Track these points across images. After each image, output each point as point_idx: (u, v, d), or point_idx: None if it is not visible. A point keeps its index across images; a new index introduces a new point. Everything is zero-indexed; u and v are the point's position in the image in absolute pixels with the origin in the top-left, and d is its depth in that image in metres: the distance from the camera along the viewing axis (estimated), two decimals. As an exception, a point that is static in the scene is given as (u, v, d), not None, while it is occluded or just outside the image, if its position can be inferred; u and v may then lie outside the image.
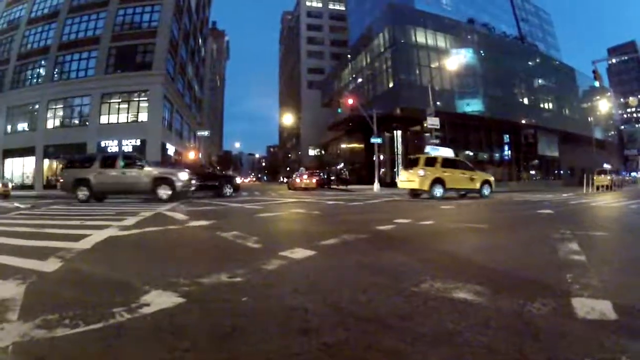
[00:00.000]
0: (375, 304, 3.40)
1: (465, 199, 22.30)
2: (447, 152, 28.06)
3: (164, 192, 19.85)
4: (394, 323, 2.94)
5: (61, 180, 21.96)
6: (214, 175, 28.93)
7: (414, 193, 22.84)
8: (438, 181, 21.73)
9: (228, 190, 26.03)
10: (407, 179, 22.97)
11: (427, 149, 29.92)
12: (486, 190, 23.41)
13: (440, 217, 11.83)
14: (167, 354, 2.57)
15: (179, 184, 20.32)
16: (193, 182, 22.01)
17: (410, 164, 23.78)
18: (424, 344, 2.57)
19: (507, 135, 64.44)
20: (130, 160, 21.71)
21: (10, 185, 31.98)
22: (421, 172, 21.71)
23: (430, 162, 22.67)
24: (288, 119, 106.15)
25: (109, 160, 21.81)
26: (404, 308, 3.26)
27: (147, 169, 20.82)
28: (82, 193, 20.31)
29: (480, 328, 2.80)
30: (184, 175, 20.83)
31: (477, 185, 23.22)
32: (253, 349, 2.61)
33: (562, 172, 75.37)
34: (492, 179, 24.53)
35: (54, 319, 3.18)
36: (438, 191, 21.54)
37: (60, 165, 28.37)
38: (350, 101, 39.67)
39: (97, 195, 20.73)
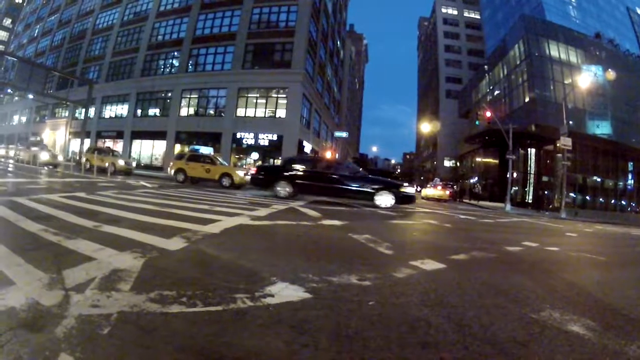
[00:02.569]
0: (496, 327, 3.32)
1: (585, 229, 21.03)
2: None
3: None
4: (511, 349, 2.89)
5: None
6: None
7: None
8: None
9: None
10: None
11: None
12: None
13: (565, 244, 11.32)
14: (284, 346, 2.63)
15: None
16: None
17: None
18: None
19: (631, 163, 59.92)
20: None
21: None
22: None
23: None
24: (425, 127, 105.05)
25: None
26: (522, 335, 3.20)
27: None
28: None
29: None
30: None
31: None
32: (372, 355, 2.60)
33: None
34: None
35: (170, 295, 3.37)
36: None
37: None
38: (488, 114, 38.67)
39: None
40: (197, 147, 32.90)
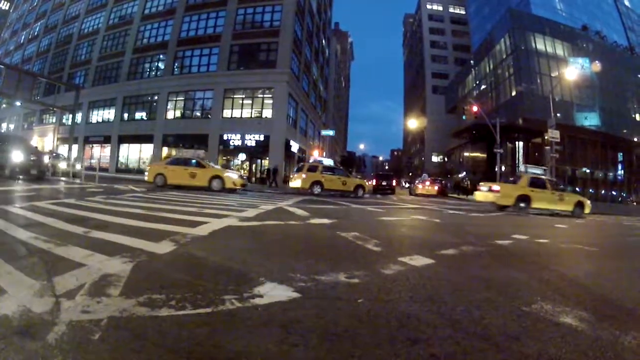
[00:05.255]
0: (487, 321, 3.34)
1: (573, 219, 20.90)
2: None
3: None
4: (502, 342, 2.90)
5: None
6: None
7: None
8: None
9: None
10: None
11: None
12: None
13: (555, 236, 11.39)
14: (274, 346, 2.64)
15: None
16: None
17: None
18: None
19: (621, 154, 60.27)
20: None
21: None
22: None
23: None
24: (412, 124, 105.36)
25: None
26: (513, 328, 3.22)
27: None
28: None
29: (579, 356, 2.76)
30: None
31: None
32: (362, 353, 2.61)
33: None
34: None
35: (159, 298, 3.37)
36: None
37: None
38: (475, 109, 38.89)
39: None
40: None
